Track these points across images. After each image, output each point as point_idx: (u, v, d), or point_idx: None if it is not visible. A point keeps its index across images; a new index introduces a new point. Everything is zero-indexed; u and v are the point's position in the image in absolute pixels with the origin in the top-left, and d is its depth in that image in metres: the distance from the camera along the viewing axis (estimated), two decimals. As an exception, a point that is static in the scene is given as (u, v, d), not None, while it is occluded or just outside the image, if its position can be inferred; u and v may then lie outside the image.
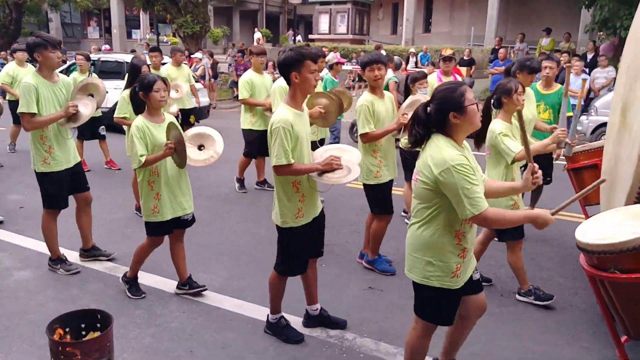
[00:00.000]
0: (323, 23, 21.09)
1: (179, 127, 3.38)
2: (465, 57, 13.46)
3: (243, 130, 5.90)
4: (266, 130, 5.72)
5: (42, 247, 4.39)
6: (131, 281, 3.62)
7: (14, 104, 7.73)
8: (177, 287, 3.65)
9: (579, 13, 14.22)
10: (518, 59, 4.39)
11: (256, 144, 5.82)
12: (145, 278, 3.86)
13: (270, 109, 5.55)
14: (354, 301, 3.61)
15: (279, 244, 3.02)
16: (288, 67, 2.73)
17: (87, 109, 3.81)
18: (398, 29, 25.10)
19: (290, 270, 3.03)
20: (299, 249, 2.96)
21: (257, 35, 21.38)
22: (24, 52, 7.94)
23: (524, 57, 4.39)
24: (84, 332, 2.50)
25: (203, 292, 3.61)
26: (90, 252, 4.17)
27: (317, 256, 3.16)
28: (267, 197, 5.94)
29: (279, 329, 3.12)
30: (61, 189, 3.85)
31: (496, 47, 13.84)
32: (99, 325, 2.52)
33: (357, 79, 15.05)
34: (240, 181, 6.26)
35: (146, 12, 21.94)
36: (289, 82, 2.78)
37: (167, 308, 3.45)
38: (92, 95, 3.93)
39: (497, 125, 3.34)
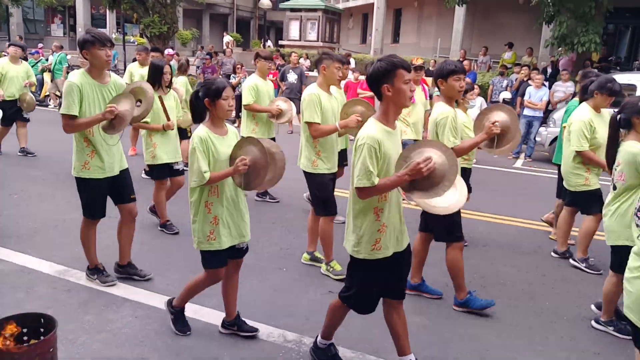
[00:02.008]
0: (293, 30, 21.09)
1: (263, 144, 2.87)
2: (431, 68, 13.75)
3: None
4: (270, 139, 5.60)
5: (-13, 249, 4.19)
6: (177, 312, 3.15)
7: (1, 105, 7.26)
8: (223, 327, 3.18)
9: (540, 28, 14.77)
10: (598, 79, 4.06)
11: None
12: (97, 281, 3.72)
13: (275, 116, 5.37)
14: (313, 305, 3.57)
15: (349, 273, 2.70)
16: (379, 80, 2.41)
17: (128, 114, 3.41)
18: (367, 39, 25.48)
19: (358, 306, 2.70)
20: (370, 285, 2.61)
21: (227, 38, 21.20)
22: (17, 48, 7.54)
23: (606, 78, 4.11)
24: (25, 338, 2.37)
25: (157, 295, 3.48)
26: (125, 269, 3.81)
27: (395, 298, 2.69)
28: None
29: (324, 357, 2.88)
30: (96, 197, 3.56)
31: (461, 59, 14.24)
32: (42, 330, 2.39)
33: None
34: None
35: (112, 11, 21.40)
36: (380, 96, 2.47)
37: (118, 313, 3.32)
38: (140, 101, 3.69)
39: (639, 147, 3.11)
